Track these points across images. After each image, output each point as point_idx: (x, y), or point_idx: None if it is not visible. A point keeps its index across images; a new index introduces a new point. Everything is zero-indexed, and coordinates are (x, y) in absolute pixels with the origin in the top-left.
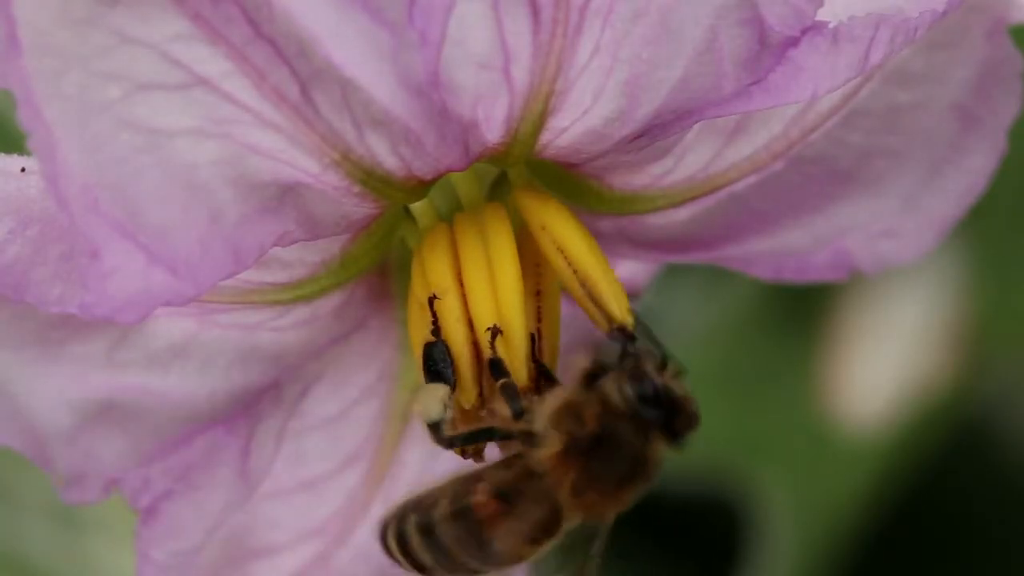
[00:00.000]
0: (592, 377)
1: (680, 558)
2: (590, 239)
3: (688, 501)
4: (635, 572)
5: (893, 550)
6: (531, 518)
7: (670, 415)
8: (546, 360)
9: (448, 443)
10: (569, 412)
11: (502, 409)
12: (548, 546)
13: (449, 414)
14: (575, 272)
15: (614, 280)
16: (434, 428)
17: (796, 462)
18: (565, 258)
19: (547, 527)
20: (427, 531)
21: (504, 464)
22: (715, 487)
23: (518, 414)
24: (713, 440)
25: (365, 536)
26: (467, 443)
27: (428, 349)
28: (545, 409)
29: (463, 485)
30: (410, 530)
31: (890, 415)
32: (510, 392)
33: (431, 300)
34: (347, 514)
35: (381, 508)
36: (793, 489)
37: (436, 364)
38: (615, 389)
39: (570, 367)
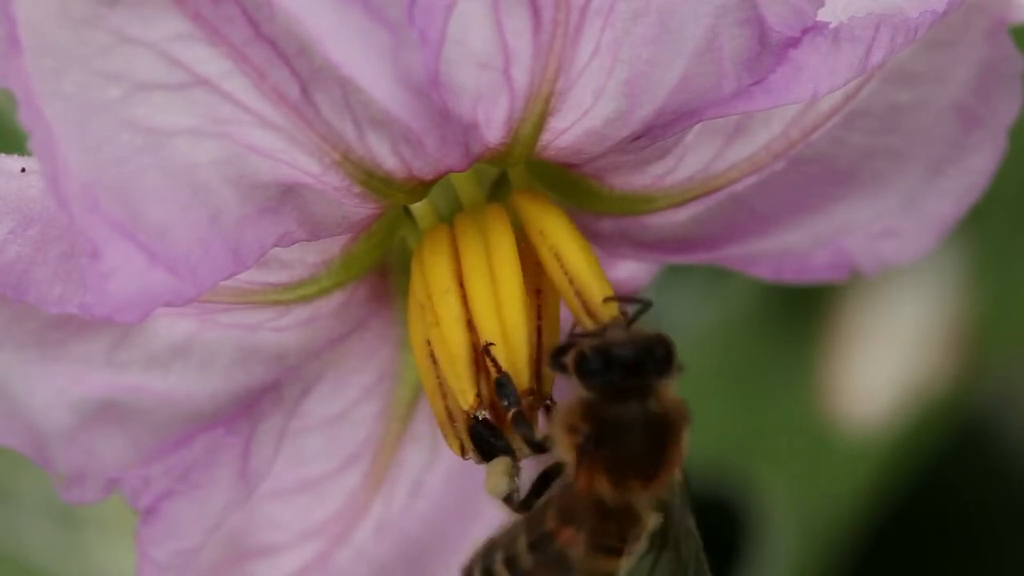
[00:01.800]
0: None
1: None
2: (586, 247)
3: None
4: None
5: (893, 550)
6: (598, 528)
7: (626, 367)
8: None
9: (523, 507)
10: (565, 427)
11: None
12: (630, 555)
13: (516, 483)
14: (570, 281)
15: (608, 288)
16: (508, 500)
17: (796, 462)
18: (561, 265)
19: (614, 533)
20: (512, 564)
21: (564, 487)
22: (715, 487)
23: (537, 448)
24: (713, 440)
25: (365, 536)
26: (534, 497)
27: (474, 428)
28: (554, 435)
29: (536, 516)
30: (497, 568)
31: (890, 415)
32: (522, 427)
33: (429, 347)
34: (347, 514)
35: (381, 508)
36: (793, 489)
37: (487, 441)
38: (580, 387)
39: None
